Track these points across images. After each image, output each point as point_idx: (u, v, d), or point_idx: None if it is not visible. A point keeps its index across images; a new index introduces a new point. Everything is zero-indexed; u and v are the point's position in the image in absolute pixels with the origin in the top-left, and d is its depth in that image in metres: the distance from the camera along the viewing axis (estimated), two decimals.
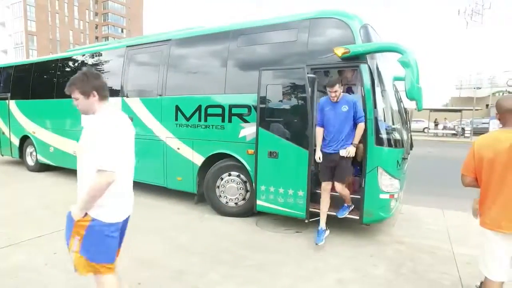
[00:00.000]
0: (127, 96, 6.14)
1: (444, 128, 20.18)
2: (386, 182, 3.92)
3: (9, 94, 9.01)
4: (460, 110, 28.77)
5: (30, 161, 8.76)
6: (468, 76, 45.19)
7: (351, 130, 3.92)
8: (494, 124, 25.52)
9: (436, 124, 30.01)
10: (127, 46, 6.36)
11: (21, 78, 8.89)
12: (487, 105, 41.86)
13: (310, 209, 4.26)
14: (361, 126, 3.87)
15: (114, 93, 6.34)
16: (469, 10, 37.83)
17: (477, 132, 22.81)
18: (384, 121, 4.04)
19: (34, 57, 57.60)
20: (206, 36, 5.39)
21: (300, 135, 4.23)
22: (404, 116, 5.14)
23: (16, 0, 59.17)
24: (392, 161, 4.00)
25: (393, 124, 4.28)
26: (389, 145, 3.97)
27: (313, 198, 4.32)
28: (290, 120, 4.33)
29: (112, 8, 73.12)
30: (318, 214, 4.22)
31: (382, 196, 3.92)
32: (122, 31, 75.33)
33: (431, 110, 28.38)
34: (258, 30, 4.83)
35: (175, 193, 5.94)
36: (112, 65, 6.71)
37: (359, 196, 4.08)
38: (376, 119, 3.92)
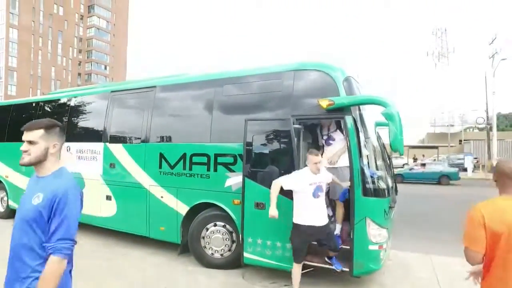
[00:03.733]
0: (110, 142, 6.02)
1: (423, 165, 20.76)
2: (374, 232, 3.88)
3: None
4: (436, 147, 29.88)
5: (0, 207, 8.31)
6: (441, 114, 47.59)
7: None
8: (469, 160, 26.53)
9: (415, 160, 30.85)
10: (111, 91, 6.34)
11: None
12: (460, 141, 43.68)
13: (305, 262, 4.14)
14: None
15: (97, 137, 6.22)
16: (436, 53, 40.64)
17: (454, 167, 23.54)
18: (370, 170, 4.09)
19: (13, 92, 56.77)
20: (191, 84, 5.45)
21: None
22: (388, 162, 5.23)
23: (0, 38, 59.17)
24: (379, 211, 3.99)
25: (379, 172, 4.34)
26: (376, 195, 3.98)
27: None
28: (276, 171, 4.30)
29: (96, 46, 73.99)
30: (307, 266, 4.10)
31: (371, 247, 3.86)
32: (105, 68, 75.81)
33: (410, 147, 29.31)
34: (243, 79, 4.93)
35: (155, 243, 5.69)
36: (96, 109, 6.62)
37: (348, 247, 4.01)
38: (362, 170, 3.95)
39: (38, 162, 1.75)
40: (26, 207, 1.69)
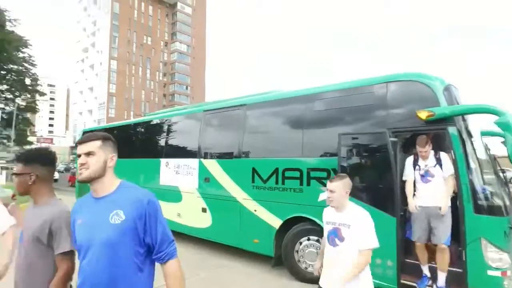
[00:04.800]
0: (204, 158, 6.49)
1: None
2: (493, 256, 3.49)
3: None
4: None
5: None
6: None
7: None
8: None
9: None
10: (204, 111, 6.86)
11: None
12: None
13: (402, 281, 3.93)
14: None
15: (192, 154, 6.77)
16: None
17: None
18: (480, 185, 3.73)
19: (113, 115, 64.63)
20: (281, 101, 5.61)
21: (386, 201, 4.03)
22: (502, 177, 4.69)
23: (103, 68, 68.42)
24: (497, 231, 3.58)
25: (491, 187, 3.93)
26: (491, 212, 3.60)
27: (404, 268, 4.00)
28: (373, 185, 4.18)
29: (178, 68, 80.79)
30: (409, 286, 3.87)
31: (490, 272, 3.47)
32: (186, 88, 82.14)
33: None
34: (335, 94, 4.93)
35: (249, 254, 5.90)
36: (190, 127, 7.22)
37: (460, 270, 3.67)
38: (472, 183, 3.62)
39: (98, 177, 1.59)
40: (104, 231, 1.51)
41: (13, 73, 37.75)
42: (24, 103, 39.94)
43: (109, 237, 1.50)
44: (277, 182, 5.19)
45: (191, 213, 6.70)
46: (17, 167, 1.90)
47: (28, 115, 44.53)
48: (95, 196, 1.63)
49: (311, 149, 4.90)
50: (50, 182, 1.97)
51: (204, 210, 6.39)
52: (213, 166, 6.27)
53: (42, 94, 41.86)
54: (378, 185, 4.14)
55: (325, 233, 2.70)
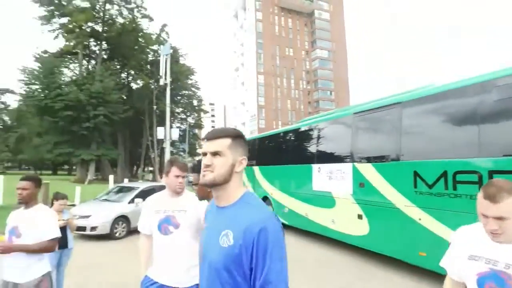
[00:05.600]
0: (358, 162, 6.23)
1: None
2: None
3: (254, 161, 11.06)
4: None
5: None
6: None
7: None
8: None
9: None
10: (354, 113, 6.61)
11: (262, 147, 10.81)
12: None
13: None
14: None
15: (344, 158, 6.61)
16: None
17: None
18: None
19: (263, 125, 70.40)
20: (445, 94, 4.86)
21: None
22: None
23: (252, 83, 75.92)
24: None
25: None
26: None
27: None
28: None
29: (321, 75, 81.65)
30: None
31: None
32: (330, 94, 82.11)
33: None
34: None
35: (405, 266, 5.29)
36: (340, 131, 7.10)
37: None
38: None
39: (222, 183, 1.30)
40: (214, 250, 1.27)
41: (185, 97, 46.09)
42: (193, 121, 48.01)
43: (215, 260, 1.24)
44: (446, 188, 4.48)
45: (345, 219, 6.52)
46: (194, 177, 2.17)
47: (196, 130, 53.30)
48: (216, 204, 1.36)
49: (493, 148, 4.04)
50: None
51: (359, 217, 6.11)
52: (368, 170, 5.95)
53: (205, 112, 49.43)
54: None
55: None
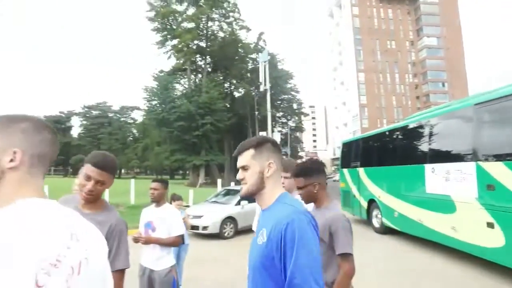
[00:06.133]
0: (483, 160, 5.34)
1: None
2: None
3: (358, 163, 10.52)
4: None
5: (375, 223, 9.48)
6: None
7: None
8: None
9: None
10: (475, 104, 5.70)
11: (366, 148, 10.21)
12: None
13: None
14: None
15: (465, 157, 5.75)
16: None
17: None
18: None
19: (366, 125, 67.02)
20: None
21: None
22: None
23: (352, 82, 73.01)
24: None
25: None
26: None
27: None
28: None
29: (430, 65, 73.58)
30: None
31: None
32: (443, 85, 73.33)
33: None
34: None
35: None
36: (458, 126, 6.22)
37: None
38: None
39: (257, 190, 1.38)
40: (253, 250, 1.33)
41: (285, 101, 47.01)
42: (293, 125, 48.54)
43: (254, 258, 1.30)
44: None
45: (470, 227, 5.63)
46: (297, 181, 2.13)
47: (298, 134, 53.77)
48: (261, 208, 1.43)
49: None
50: (326, 188, 2.15)
51: (490, 225, 5.20)
52: (498, 170, 5.03)
53: (305, 115, 49.50)
54: None
55: None
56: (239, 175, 1.42)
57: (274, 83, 34.86)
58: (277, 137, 21.12)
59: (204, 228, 8.88)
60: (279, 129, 45.78)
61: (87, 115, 58.91)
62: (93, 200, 1.72)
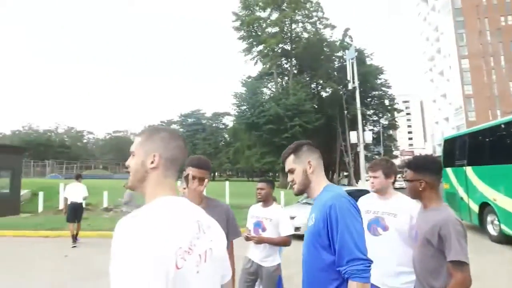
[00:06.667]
0: None
1: None
2: None
3: (465, 161, 9.34)
4: None
5: (491, 230, 8.27)
6: None
7: None
8: None
9: None
10: None
11: (476, 144, 9.00)
12: None
13: None
14: None
15: None
16: None
17: None
18: None
19: (473, 118, 59.13)
20: None
21: None
22: None
23: (454, 71, 65.17)
24: None
25: None
26: None
27: None
28: None
29: None
30: None
31: None
32: None
33: None
34: None
35: None
36: None
37: None
38: None
39: (305, 187, 1.70)
40: (306, 232, 1.65)
41: (375, 98, 44.51)
42: (386, 122, 45.58)
43: (306, 239, 1.62)
44: None
45: None
46: (408, 174, 2.06)
47: (391, 131, 50.29)
48: (312, 197, 1.72)
49: None
50: (438, 189, 2.01)
51: None
52: None
53: (399, 111, 46.03)
54: None
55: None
56: (289, 178, 1.74)
57: (363, 80, 33.20)
58: (369, 136, 20.09)
59: (296, 229, 8.93)
60: (370, 127, 43.41)
61: (184, 123, 64.58)
62: (198, 196, 2.09)
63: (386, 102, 45.39)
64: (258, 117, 35.42)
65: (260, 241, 3.04)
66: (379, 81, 43.22)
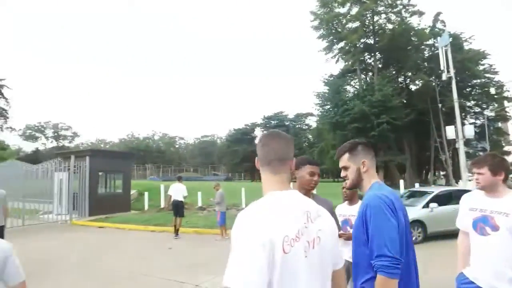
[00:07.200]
0: None
1: None
2: None
3: None
4: None
5: None
6: None
7: None
8: None
9: None
10: None
11: None
12: None
13: None
14: None
15: None
16: None
17: None
18: None
19: None
20: None
21: None
22: None
23: None
24: None
25: None
26: None
27: None
28: None
29: None
30: None
31: None
32: None
33: None
34: None
35: None
36: None
37: None
38: None
39: (357, 184, 1.85)
40: (354, 224, 1.81)
41: (476, 87, 39.16)
42: (492, 114, 39.75)
43: (353, 231, 1.81)
44: None
45: None
46: None
47: (499, 124, 43.70)
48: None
49: None
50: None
51: None
52: None
53: (510, 99, 39.77)
54: None
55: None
56: (342, 174, 1.91)
57: (460, 68, 29.71)
58: (470, 131, 17.94)
59: None
60: (472, 120, 38.49)
61: (267, 125, 66.10)
62: (311, 190, 2.50)
63: (492, 90, 39.42)
64: (342, 116, 34.40)
65: (349, 237, 3.15)
66: (481, 67, 37.94)
